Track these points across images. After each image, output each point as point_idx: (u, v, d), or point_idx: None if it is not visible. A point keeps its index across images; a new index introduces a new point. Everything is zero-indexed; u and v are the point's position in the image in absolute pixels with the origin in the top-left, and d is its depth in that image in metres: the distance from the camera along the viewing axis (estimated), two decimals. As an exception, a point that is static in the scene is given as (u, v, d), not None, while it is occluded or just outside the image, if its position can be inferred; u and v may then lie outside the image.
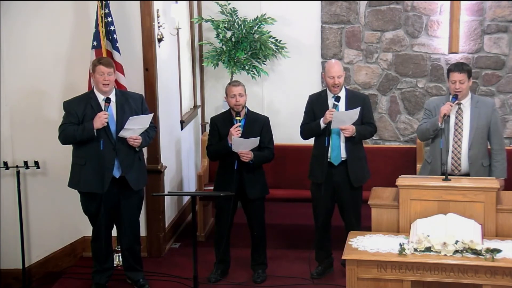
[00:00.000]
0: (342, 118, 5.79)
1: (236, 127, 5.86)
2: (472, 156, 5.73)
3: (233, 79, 7.66)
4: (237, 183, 5.92)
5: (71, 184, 5.82)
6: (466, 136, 5.72)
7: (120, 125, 5.66)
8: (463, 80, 5.69)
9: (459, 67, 5.74)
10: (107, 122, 5.60)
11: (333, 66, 5.90)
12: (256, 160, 5.94)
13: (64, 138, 5.69)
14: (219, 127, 6.04)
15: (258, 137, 5.89)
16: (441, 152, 5.61)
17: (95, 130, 5.56)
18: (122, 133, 5.64)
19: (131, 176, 5.76)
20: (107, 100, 5.65)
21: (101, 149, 5.57)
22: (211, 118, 6.17)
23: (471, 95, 5.84)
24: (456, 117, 5.77)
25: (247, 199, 6.05)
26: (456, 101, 5.70)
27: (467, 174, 5.68)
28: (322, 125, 5.85)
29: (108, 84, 5.65)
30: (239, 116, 5.94)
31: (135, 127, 5.66)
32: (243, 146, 5.83)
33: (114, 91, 5.76)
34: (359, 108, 5.83)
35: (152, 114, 5.84)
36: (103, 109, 5.63)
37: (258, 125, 6.02)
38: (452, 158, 5.76)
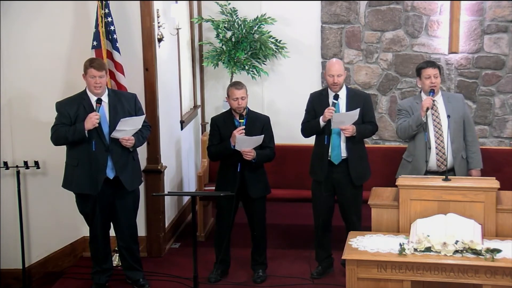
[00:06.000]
0: (341, 119, 5.80)
1: (240, 130, 5.85)
2: (455, 150, 5.84)
3: (233, 80, 7.67)
4: (239, 183, 5.92)
5: (64, 185, 5.81)
6: (446, 131, 5.79)
7: (113, 125, 5.64)
8: (437, 74, 5.85)
9: (432, 63, 5.97)
10: (100, 123, 5.59)
11: (333, 64, 5.92)
12: (258, 159, 5.94)
13: (56, 139, 5.67)
14: (219, 127, 6.04)
15: (262, 135, 5.89)
16: (426, 146, 5.73)
17: (86, 131, 5.55)
18: (114, 134, 5.63)
19: (125, 177, 5.74)
20: (98, 101, 5.63)
21: (93, 150, 5.57)
22: (212, 119, 6.17)
23: (441, 92, 6.01)
24: (433, 114, 5.86)
25: (248, 198, 6.04)
26: (434, 96, 5.84)
27: (452, 169, 5.78)
28: (322, 123, 5.87)
29: (100, 87, 5.64)
30: (242, 119, 5.94)
31: (127, 128, 5.64)
32: (247, 144, 5.83)
33: (106, 92, 5.74)
34: (359, 109, 5.83)
35: (144, 115, 5.82)
36: (95, 110, 5.62)
37: (259, 124, 6.02)
38: (437, 154, 5.82)
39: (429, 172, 5.82)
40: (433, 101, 5.84)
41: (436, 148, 5.82)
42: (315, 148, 6.09)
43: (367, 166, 6.10)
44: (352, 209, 6.02)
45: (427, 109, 5.73)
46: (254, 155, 5.88)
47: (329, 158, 5.91)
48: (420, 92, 5.99)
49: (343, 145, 5.92)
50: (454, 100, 5.95)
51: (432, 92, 5.81)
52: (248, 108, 6.06)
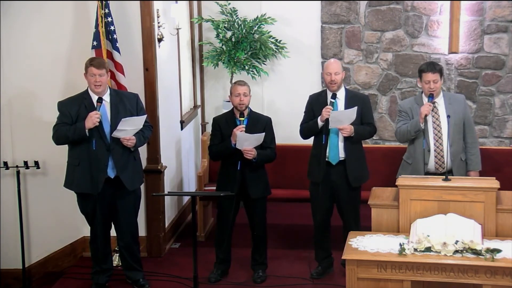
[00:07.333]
0: (339, 117, 5.80)
1: (240, 128, 5.85)
2: (453, 152, 5.82)
3: (234, 79, 7.67)
4: (239, 183, 5.92)
5: (66, 184, 5.83)
6: (445, 133, 5.77)
7: (114, 125, 5.64)
8: (437, 79, 5.78)
9: (431, 67, 5.81)
10: (101, 122, 5.60)
11: (331, 63, 5.94)
12: (259, 159, 5.94)
13: (57, 138, 5.70)
14: (221, 127, 6.04)
15: (263, 133, 5.88)
16: (424, 152, 5.71)
17: (86, 130, 5.56)
18: (115, 134, 5.63)
19: (125, 176, 5.74)
20: (99, 100, 5.63)
21: (93, 149, 5.57)
22: (214, 119, 6.17)
23: (443, 93, 5.96)
24: (433, 116, 5.84)
25: (249, 198, 6.04)
26: (433, 100, 5.80)
27: (450, 171, 5.77)
28: (320, 123, 5.87)
29: (99, 85, 5.64)
30: (243, 117, 5.94)
31: (128, 128, 5.64)
32: (248, 142, 5.82)
33: (108, 91, 5.75)
34: (356, 108, 5.83)
35: (146, 115, 5.83)
36: (96, 109, 5.62)
37: (260, 125, 6.02)
38: (435, 156, 5.81)
39: (427, 174, 5.81)
40: (434, 103, 5.82)
41: (434, 151, 5.81)
42: (313, 150, 6.08)
43: (365, 167, 6.09)
44: (349, 211, 6.02)
45: (425, 116, 5.71)
46: (254, 154, 5.88)
47: (326, 159, 5.91)
48: (421, 92, 5.97)
49: (341, 145, 5.92)
50: (455, 102, 5.92)
51: (431, 97, 5.79)
52: (250, 108, 6.06)
